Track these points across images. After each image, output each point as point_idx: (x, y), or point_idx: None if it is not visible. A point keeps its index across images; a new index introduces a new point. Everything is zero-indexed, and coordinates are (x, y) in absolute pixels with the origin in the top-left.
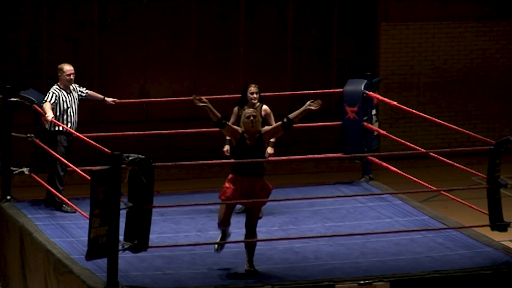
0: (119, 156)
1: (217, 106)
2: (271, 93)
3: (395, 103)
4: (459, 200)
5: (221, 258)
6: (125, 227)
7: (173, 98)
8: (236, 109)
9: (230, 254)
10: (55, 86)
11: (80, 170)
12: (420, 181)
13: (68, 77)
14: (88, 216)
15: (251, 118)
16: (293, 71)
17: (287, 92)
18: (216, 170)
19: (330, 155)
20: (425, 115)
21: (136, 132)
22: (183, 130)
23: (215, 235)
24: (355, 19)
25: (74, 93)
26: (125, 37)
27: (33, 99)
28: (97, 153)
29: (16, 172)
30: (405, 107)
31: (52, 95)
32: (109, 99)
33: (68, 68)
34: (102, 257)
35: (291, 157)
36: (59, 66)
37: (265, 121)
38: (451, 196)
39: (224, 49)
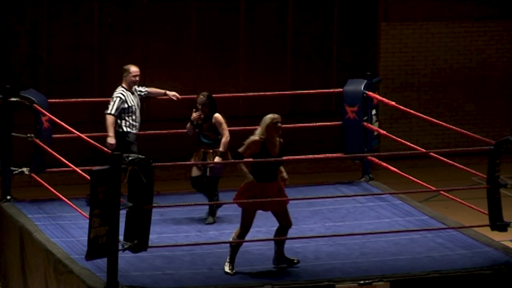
0: (119, 156)
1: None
2: (271, 93)
3: (393, 103)
4: (459, 200)
5: (221, 258)
6: (125, 227)
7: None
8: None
9: None
10: (120, 89)
11: (80, 170)
12: (420, 181)
13: (133, 78)
14: (88, 216)
15: (279, 124)
16: (293, 71)
17: (287, 92)
18: None
19: (330, 155)
20: (425, 115)
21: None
22: (183, 130)
23: (215, 235)
24: (355, 19)
25: (136, 93)
26: (125, 37)
27: (33, 99)
28: (97, 153)
29: (16, 172)
30: (403, 108)
31: (117, 100)
32: (170, 93)
33: (134, 69)
34: (102, 257)
35: (291, 157)
36: (125, 67)
37: (217, 129)
38: (451, 196)
39: (224, 49)
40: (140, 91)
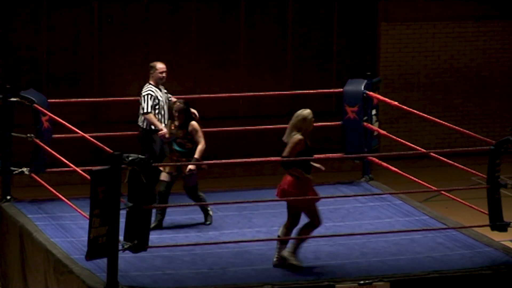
0: (119, 156)
1: (217, 106)
2: (271, 93)
3: (395, 103)
4: (459, 200)
5: (221, 258)
6: (125, 227)
7: (175, 96)
8: (169, 122)
9: (230, 254)
10: (148, 86)
11: (80, 170)
12: (420, 181)
13: (160, 75)
14: (88, 216)
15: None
16: (293, 71)
17: (287, 92)
18: (217, 170)
19: (330, 155)
20: (425, 115)
21: (136, 132)
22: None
23: (215, 235)
24: (355, 19)
25: (164, 91)
26: (125, 36)
27: (33, 99)
28: (97, 153)
29: (16, 172)
30: (405, 107)
31: (148, 97)
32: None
33: (160, 66)
34: (102, 257)
35: (291, 158)
36: (152, 64)
37: (193, 137)
38: (451, 196)
39: (224, 49)
40: (166, 92)
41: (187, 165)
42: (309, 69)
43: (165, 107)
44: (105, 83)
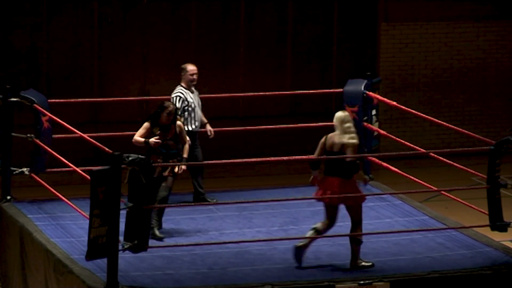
0: (119, 156)
1: (217, 106)
2: (271, 93)
3: (394, 103)
4: (459, 200)
5: (221, 258)
6: (125, 227)
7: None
8: (147, 124)
9: (230, 254)
10: (179, 88)
11: (80, 170)
12: (420, 181)
13: (191, 77)
14: (88, 216)
15: None
16: (293, 71)
17: (287, 92)
18: (217, 170)
19: None
20: (425, 115)
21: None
22: None
23: (215, 235)
24: (355, 19)
25: (196, 93)
26: (125, 37)
27: (33, 99)
28: (97, 153)
29: (16, 172)
30: (404, 107)
31: (178, 100)
32: (208, 127)
33: (191, 67)
34: (102, 257)
35: (291, 157)
36: (182, 66)
37: (180, 137)
38: (451, 196)
39: (224, 49)
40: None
41: (173, 166)
42: (309, 69)
43: (197, 109)
44: (105, 83)
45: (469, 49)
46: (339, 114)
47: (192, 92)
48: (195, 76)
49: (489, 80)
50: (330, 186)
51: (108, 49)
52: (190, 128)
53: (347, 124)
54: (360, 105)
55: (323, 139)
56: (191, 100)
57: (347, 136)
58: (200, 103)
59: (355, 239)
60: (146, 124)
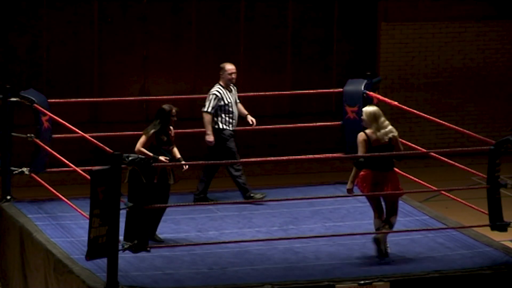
0: (119, 156)
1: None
2: (271, 93)
3: (395, 103)
4: (459, 200)
5: (221, 258)
6: (125, 227)
7: (175, 96)
8: (153, 133)
9: (230, 254)
10: (216, 86)
11: (80, 170)
12: (420, 181)
13: (229, 76)
14: (88, 216)
15: None
16: (293, 71)
17: (287, 92)
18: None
19: (330, 155)
20: (425, 115)
21: (136, 132)
22: (183, 130)
23: (215, 235)
24: (355, 19)
25: (234, 91)
26: (125, 36)
27: (33, 99)
28: (97, 153)
29: (16, 172)
30: (405, 107)
31: (213, 98)
32: (250, 117)
33: (230, 67)
34: (102, 257)
35: (291, 157)
36: (221, 65)
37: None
38: (451, 196)
39: (224, 49)
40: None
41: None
42: (309, 69)
43: (234, 108)
44: (105, 83)
45: (469, 49)
46: (369, 109)
47: (230, 91)
48: (233, 76)
49: (489, 80)
50: (386, 181)
51: (108, 49)
52: (222, 127)
53: (382, 119)
54: (360, 105)
55: (363, 137)
56: (228, 100)
57: (389, 128)
58: (237, 100)
59: (390, 223)
60: (151, 133)
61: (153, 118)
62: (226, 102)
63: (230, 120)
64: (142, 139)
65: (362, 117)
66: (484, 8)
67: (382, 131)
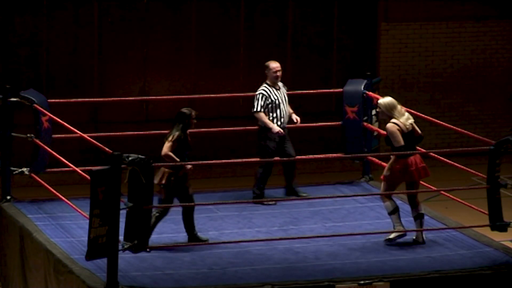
0: (119, 156)
1: (217, 106)
2: None
3: None
4: (459, 200)
5: (221, 258)
6: (125, 227)
7: (175, 96)
8: (178, 135)
9: (230, 254)
10: (263, 85)
11: (80, 170)
12: (420, 181)
13: (274, 74)
14: (88, 216)
15: None
16: (293, 70)
17: (287, 92)
18: (217, 170)
19: (330, 155)
20: (425, 115)
21: (136, 132)
22: None
23: (215, 235)
24: (355, 19)
25: (282, 89)
26: (125, 37)
27: (33, 99)
28: (97, 153)
29: (16, 172)
30: (405, 107)
31: (260, 97)
32: (294, 116)
33: (274, 65)
34: (102, 257)
35: (291, 158)
36: (266, 63)
37: None
38: (451, 196)
39: (224, 49)
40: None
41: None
42: (309, 69)
43: (282, 106)
44: (105, 83)
45: (469, 49)
46: (385, 100)
47: (278, 89)
48: (278, 73)
49: (489, 80)
50: (414, 164)
51: (108, 49)
52: (269, 125)
53: (399, 106)
54: (360, 105)
55: (396, 127)
56: (275, 98)
57: (406, 115)
58: (286, 98)
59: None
60: (177, 137)
61: (153, 118)
62: (273, 99)
63: (278, 117)
64: (168, 143)
65: (378, 110)
66: (484, 8)
67: (404, 117)
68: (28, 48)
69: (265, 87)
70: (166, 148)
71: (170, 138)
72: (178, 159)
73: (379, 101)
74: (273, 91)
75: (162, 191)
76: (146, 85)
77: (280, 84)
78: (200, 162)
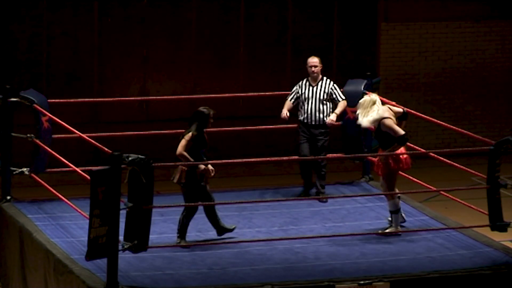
0: (119, 156)
1: (217, 106)
2: (271, 93)
3: (393, 103)
4: (459, 200)
5: (221, 258)
6: (125, 227)
7: (175, 96)
8: (194, 134)
9: (230, 254)
10: (305, 78)
11: (80, 170)
12: (420, 181)
13: (309, 69)
14: (88, 216)
15: None
16: (293, 71)
17: (287, 92)
18: (217, 170)
19: (330, 155)
20: (425, 115)
21: (136, 132)
22: (183, 130)
23: (215, 235)
24: (355, 19)
25: (322, 86)
26: (125, 36)
27: (33, 99)
28: (97, 153)
29: (16, 172)
30: (405, 107)
31: (294, 89)
32: (331, 116)
33: (310, 59)
34: (102, 257)
35: (291, 157)
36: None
37: None
38: (451, 196)
39: (224, 49)
40: (337, 94)
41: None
42: None
43: (311, 101)
44: (105, 83)
45: (469, 49)
46: (364, 98)
47: (315, 85)
48: (313, 69)
49: (489, 80)
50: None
51: (108, 49)
52: (299, 118)
53: (369, 103)
54: None
55: (393, 120)
56: (302, 92)
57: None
58: (322, 96)
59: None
60: (192, 136)
61: (153, 118)
62: (301, 93)
63: (303, 112)
64: (184, 142)
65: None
66: (484, 8)
67: (384, 107)
68: (28, 48)
69: (303, 80)
70: (181, 147)
71: (186, 137)
72: (192, 159)
73: (360, 102)
74: (307, 86)
75: (183, 190)
76: (146, 85)
77: (322, 80)
78: (200, 162)
